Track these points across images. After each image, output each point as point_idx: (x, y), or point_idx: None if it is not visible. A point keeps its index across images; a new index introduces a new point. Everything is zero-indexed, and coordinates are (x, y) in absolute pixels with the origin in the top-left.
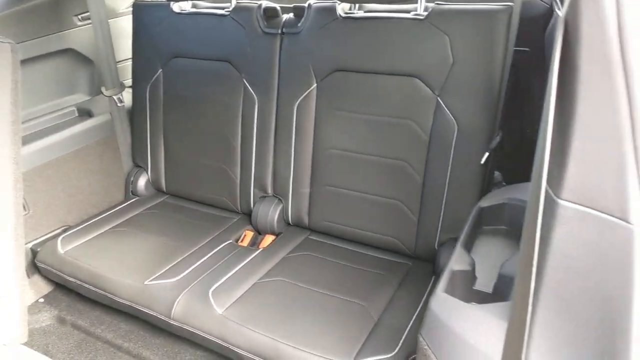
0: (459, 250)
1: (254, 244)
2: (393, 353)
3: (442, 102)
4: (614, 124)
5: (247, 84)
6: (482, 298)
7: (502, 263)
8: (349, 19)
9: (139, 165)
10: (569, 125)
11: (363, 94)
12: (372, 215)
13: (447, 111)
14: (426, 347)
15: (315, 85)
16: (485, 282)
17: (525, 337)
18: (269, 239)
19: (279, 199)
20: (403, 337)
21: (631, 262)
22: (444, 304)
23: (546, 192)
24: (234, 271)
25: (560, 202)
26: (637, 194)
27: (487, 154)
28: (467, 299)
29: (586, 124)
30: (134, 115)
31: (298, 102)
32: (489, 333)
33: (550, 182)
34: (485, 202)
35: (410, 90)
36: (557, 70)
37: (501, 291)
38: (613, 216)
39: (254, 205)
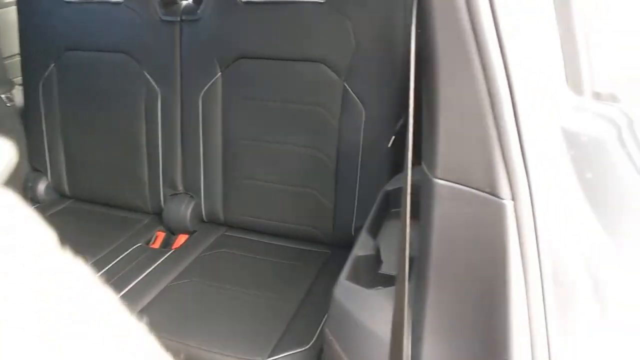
0: (363, 235)
1: (167, 245)
2: (308, 346)
3: (348, 87)
4: (473, 96)
5: (147, 76)
6: (388, 281)
7: None
8: (250, 4)
9: (37, 169)
10: (433, 101)
11: (271, 82)
12: (287, 206)
13: (354, 96)
14: (331, 338)
15: (219, 74)
16: (390, 265)
17: (406, 319)
18: (182, 238)
19: (191, 196)
20: (319, 329)
21: (505, 238)
22: (347, 292)
23: (424, 171)
24: (142, 276)
25: (435, 180)
26: (503, 167)
27: (393, 138)
28: (373, 284)
29: (447, 98)
30: (27, 115)
31: (203, 92)
32: (388, 318)
33: (426, 161)
34: (391, 185)
35: (317, 76)
36: (415, 41)
37: None
38: (484, 192)
39: (164, 204)
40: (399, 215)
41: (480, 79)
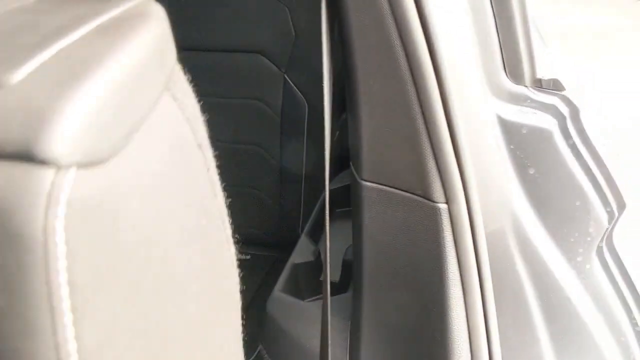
0: (302, 240)
1: None
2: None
3: (289, 80)
4: (398, 89)
5: None
6: (330, 288)
7: (347, 248)
8: None
9: None
10: (355, 95)
11: (206, 75)
12: (228, 207)
13: (296, 89)
14: (266, 355)
15: None
16: (332, 271)
17: (330, 331)
18: None
19: None
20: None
21: (441, 244)
22: (280, 305)
23: (352, 173)
24: None
25: (362, 182)
26: (435, 168)
27: (337, 132)
28: (313, 293)
29: (369, 92)
30: None
31: None
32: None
33: (353, 161)
34: (336, 183)
35: (256, 68)
36: (326, 25)
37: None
38: (415, 194)
39: None
40: (346, 216)
41: (405, 69)
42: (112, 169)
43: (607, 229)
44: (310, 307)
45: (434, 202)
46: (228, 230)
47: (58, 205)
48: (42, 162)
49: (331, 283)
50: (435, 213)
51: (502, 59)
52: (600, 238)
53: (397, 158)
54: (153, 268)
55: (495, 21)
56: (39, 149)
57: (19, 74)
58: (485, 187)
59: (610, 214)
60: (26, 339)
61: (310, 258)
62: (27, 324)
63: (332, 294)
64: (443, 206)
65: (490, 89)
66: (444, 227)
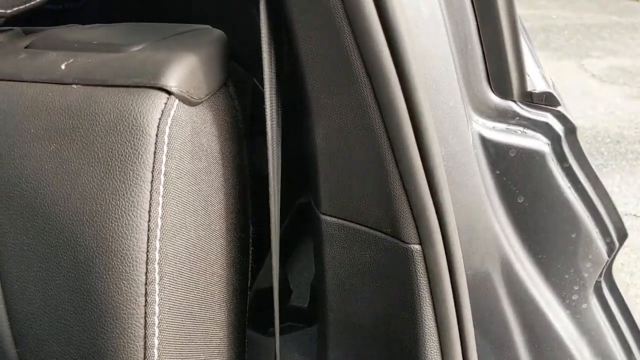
0: (268, 261)
1: None
2: None
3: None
4: (357, 108)
5: None
6: (298, 316)
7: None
8: None
9: None
10: (306, 114)
11: None
12: None
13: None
14: None
15: None
16: (301, 295)
17: None
18: None
19: None
20: None
21: (415, 292)
22: None
23: (310, 205)
24: None
25: (322, 217)
26: (405, 203)
27: None
28: (280, 321)
29: (323, 111)
30: None
31: None
32: None
33: (310, 191)
34: (304, 198)
35: None
36: (266, 27)
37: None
38: (384, 232)
39: None
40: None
41: (363, 82)
42: (196, 112)
43: (607, 262)
44: (271, 344)
45: (405, 242)
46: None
47: (169, 116)
48: (160, 89)
49: (299, 310)
50: (407, 255)
51: (486, 69)
52: (598, 273)
53: (359, 189)
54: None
55: (478, 24)
56: (161, 82)
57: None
58: (466, 223)
59: (610, 246)
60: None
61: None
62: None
63: (297, 324)
64: (416, 247)
65: (472, 104)
66: (418, 272)
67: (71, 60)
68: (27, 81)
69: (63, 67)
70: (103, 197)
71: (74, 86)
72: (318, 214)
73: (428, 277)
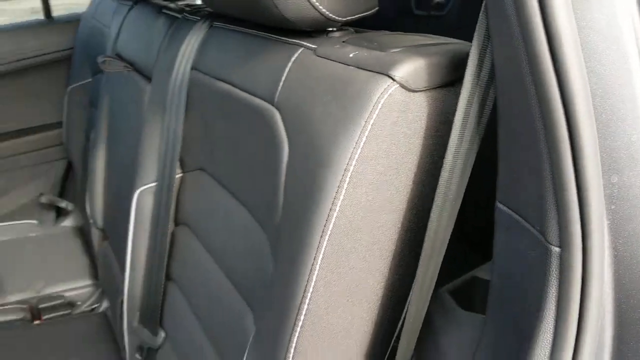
0: None
1: None
2: None
3: None
4: (525, 113)
5: None
6: None
7: None
8: None
9: None
10: (499, 119)
11: None
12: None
13: None
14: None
15: None
16: None
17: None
18: None
19: None
20: None
21: (543, 296)
22: (440, 304)
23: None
24: None
25: (497, 204)
26: (554, 206)
27: None
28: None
29: (506, 119)
30: None
31: None
32: None
33: (496, 181)
34: None
35: None
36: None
37: None
38: (535, 228)
39: None
40: None
41: (532, 94)
42: (410, 96)
43: None
44: (468, 320)
45: (548, 242)
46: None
47: (386, 93)
48: (388, 75)
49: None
50: (546, 255)
51: None
52: None
53: (523, 186)
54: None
55: None
56: (390, 71)
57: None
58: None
59: None
60: None
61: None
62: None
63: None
64: (556, 250)
65: None
66: (551, 277)
67: (357, 52)
68: (330, 60)
69: (351, 55)
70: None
71: (350, 67)
72: (496, 200)
73: (559, 283)
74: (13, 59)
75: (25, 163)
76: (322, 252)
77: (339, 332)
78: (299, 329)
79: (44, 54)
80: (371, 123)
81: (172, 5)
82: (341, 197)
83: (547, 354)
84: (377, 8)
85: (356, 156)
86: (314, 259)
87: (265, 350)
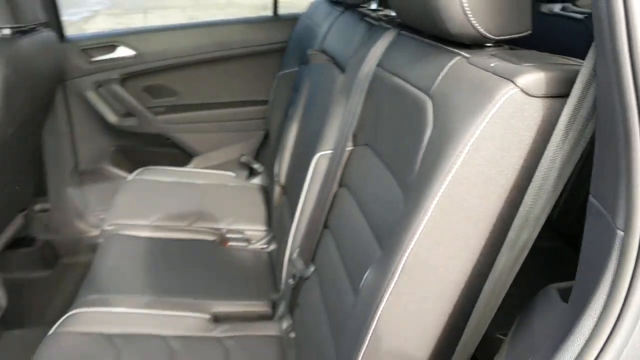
0: None
1: None
2: None
3: None
4: (614, 128)
5: None
6: None
7: None
8: None
9: None
10: (597, 127)
11: None
12: None
13: None
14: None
15: None
16: None
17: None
18: None
19: None
20: None
21: (605, 266)
22: (545, 297)
23: None
24: None
25: (589, 197)
26: (624, 192)
27: None
28: None
29: (601, 127)
30: None
31: None
32: None
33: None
34: None
35: None
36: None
37: None
38: (609, 215)
39: None
40: None
41: (619, 111)
42: (528, 100)
43: None
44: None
45: (616, 226)
46: None
47: (507, 93)
48: (513, 82)
49: None
50: (613, 238)
51: None
52: None
53: (605, 180)
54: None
55: None
56: (515, 78)
57: (530, 64)
58: None
59: None
60: None
61: None
62: None
63: None
64: (620, 233)
65: None
66: (613, 257)
67: (497, 63)
68: (476, 66)
69: (492, 65)
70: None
71: (488, 73)
72: (589, 194)
73: (617, 266)
74: (242, 46)
75: (235, 128)
76: (434, 202)
77: (438, 268)
78: (405, 257)
79: (266, 44)
80: (491, 114)
81: (373, 14)
82: (458, 163)
83: (591, 324)
84: (529, 31)
85: (475, 135)
86: (428, 207)
87: (380, 271)
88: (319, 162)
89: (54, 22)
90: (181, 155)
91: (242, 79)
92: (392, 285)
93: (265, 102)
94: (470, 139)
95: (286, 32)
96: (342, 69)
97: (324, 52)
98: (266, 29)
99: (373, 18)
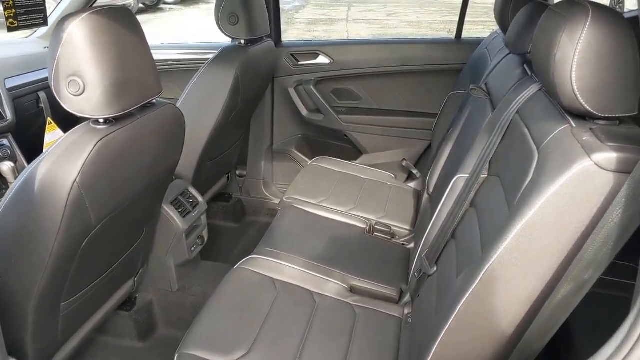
0: None
1: None
2: None
3: None
4: None
5: None
6: None
7: None
8: None
9: None
10: None
11: None
12: None
13: None
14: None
15: None
16: None
17: None
18: None
19: None
20: None
21: None
22: None
23: None
24: None
25: None
26: None
27: None
28: None
29: None
30: None
31: None
32: None
33: None
34: None
35: None
36: None
37: None
38: None
39: None
40: None
41: None
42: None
43: None
44: None
45: None
46: None
47: (585, 168)
48: (588, 155)
49: None
50: None
51: None
52: None
53: None
54: None
55: None
56: (590, 154)
57: (610, 143)
58: None
59: None
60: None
61: None
62: None
63: None
64: None
65: None
66: None
67: (588, 138)
68: (573, 135)
69: (584, 138)
70: None
71: (577, 144)
72: None
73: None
74: (421, 64)
75: (402, 134)
76: (516, 230)
77: (509, 283)
78: (486, 269)
79: (444, 64)
80: (568, 177)
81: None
82: (534, 209)
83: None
84: (636, 112)
85: (554, 190)
86: (510, 233)
87: (468, 276)
88: (457, 182)
89: (276, 30)
90: (352, 151)
91: (417, 93)
92: (472, 289)
93: (433, 116)
94: (550, 192)
95: (464, 55)
96: (493, 107)
97: (486, 85)
98: (446, 51)
99: (530, 65)
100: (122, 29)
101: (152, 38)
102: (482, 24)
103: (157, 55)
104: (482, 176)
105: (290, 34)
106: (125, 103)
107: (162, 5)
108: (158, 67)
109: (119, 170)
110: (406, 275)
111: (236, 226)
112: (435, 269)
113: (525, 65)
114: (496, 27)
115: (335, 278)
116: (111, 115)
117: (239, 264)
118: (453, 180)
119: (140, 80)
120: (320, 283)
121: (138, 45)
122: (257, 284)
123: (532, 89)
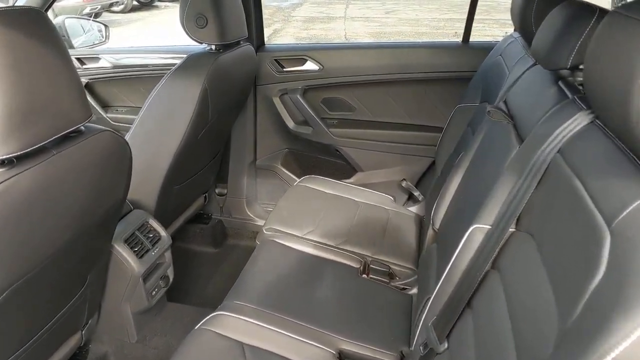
0: None
1: None
2: None
3: None
4: None
5: None
6: None
7: None
8: None
9: None
10: None
11: None
12: None
13: None
14: None
15: None
16: None
17: None
18: None
19: None
20: None
21: None
22: None
23: None
24: None
25: None
26: None
27: None
28: None
29: None
30: None
31: None
32: None
33: None
34: None
35: None
36: None
37: None
38: None
39: None
40: None
41: None
42: None
43: None
44: None
45: None
46: None
47: None
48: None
49: None
50: None
51: None
52: None
53: None
54: None
55: None
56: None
57: None
58: None
59: None
60: None
61: None
62: None
63: None
64: None
65: None
66: None
67: None
68: None
69: None
70: None
71: None
72: None
73: None
74: (426, 71)
75: (402, 150)
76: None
77: None
78: None
79: (452, 71)
80: None
81: (569, 78)
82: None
83: None
84: None
85: None
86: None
87: None
88: (474, 233)
89: (257, 33)
90: (345, 167)
91: (419, 103)
92: None
93: (436, 130)
94: None
95: (473, 62)
96: (520, 137)
97: (505, 103)
98: (454, 56)
99: (568, 84)
100: (29, 38)
101: (146, 37)
102: (482, 22)
103: (129, 59)
104: (510, 230)
105: (287, 32)
106: (31, 136)
107: (157, 3)
108: (129, 73)
109: (27, 225)
110: (408, 332)
111: (215, 251)
112: (446, 345)
113: (560, 83)
114: (504, 29)
115: (320, 341)
116: (10, 155)
117: (200, 323)
118: (469, 231)
119: (57, 103)
120: (300, 348)
121: (53, 58)
122: (221, 349)
123: (580, 119)
